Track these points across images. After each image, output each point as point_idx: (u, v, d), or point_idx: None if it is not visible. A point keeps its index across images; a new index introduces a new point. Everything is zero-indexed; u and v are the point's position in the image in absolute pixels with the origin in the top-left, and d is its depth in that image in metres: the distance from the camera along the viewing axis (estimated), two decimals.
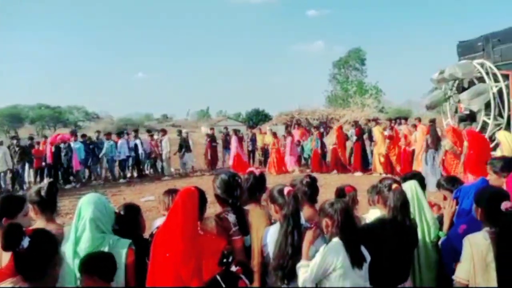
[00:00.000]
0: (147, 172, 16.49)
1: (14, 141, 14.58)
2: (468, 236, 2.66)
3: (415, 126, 13.16)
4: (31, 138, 15.91)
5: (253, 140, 17.49)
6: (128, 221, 2.96)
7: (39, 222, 2.82)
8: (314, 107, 39.74)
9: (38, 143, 15.34)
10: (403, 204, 2.93)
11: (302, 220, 3.02)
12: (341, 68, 52.29)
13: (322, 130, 17.58)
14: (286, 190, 2.90)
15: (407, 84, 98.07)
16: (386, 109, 42.80)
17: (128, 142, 15.44)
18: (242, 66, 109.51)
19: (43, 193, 2.81)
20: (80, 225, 2.59)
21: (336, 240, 2.62)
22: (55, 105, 61.66)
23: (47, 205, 2.83)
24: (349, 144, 15.56)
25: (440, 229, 3.31)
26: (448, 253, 3.02)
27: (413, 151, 12.56)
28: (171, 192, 3.36)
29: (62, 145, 14.07)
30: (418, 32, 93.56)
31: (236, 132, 17.24)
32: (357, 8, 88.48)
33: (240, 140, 16.57)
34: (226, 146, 17.42)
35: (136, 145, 15.47)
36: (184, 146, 16.46)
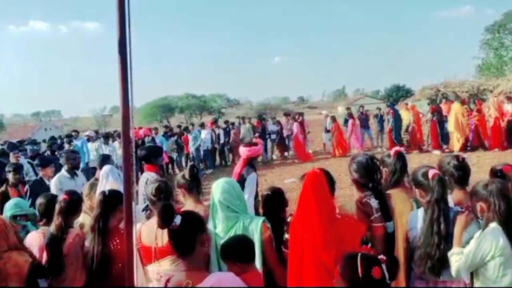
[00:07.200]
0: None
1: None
2: None
3: (509, 98, 13.53)
4: (179, 127, 17.50)
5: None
6: (273, 202, 3.27)
7: (188, 204, 3.12)
8: (462, 78, 35.93)
9: (187, 129, 16.34)
10: None
11: (451, 204, 2.81)
12: (495, 33, 46.36)
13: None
14: (431, 173, 2.72)
15: None
16: None
17: (213, 132, 15.54)
18: (380, 39, 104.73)
19: (187, 175, 3.14)
20: (214, 208, 2.83)
21: (493, 225, 2.42)
22: (200, 94, 66.47)
23: (192, 185, 3.13)
24: None
25: None
26: None
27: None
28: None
29: (146, 139, 14.41)
30: None
31: (298, 116, 16.31)
32: None
33: (302, 125, 15.67)
34: (364, 125, 16.58)
35: (219, 135, 15.54)
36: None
